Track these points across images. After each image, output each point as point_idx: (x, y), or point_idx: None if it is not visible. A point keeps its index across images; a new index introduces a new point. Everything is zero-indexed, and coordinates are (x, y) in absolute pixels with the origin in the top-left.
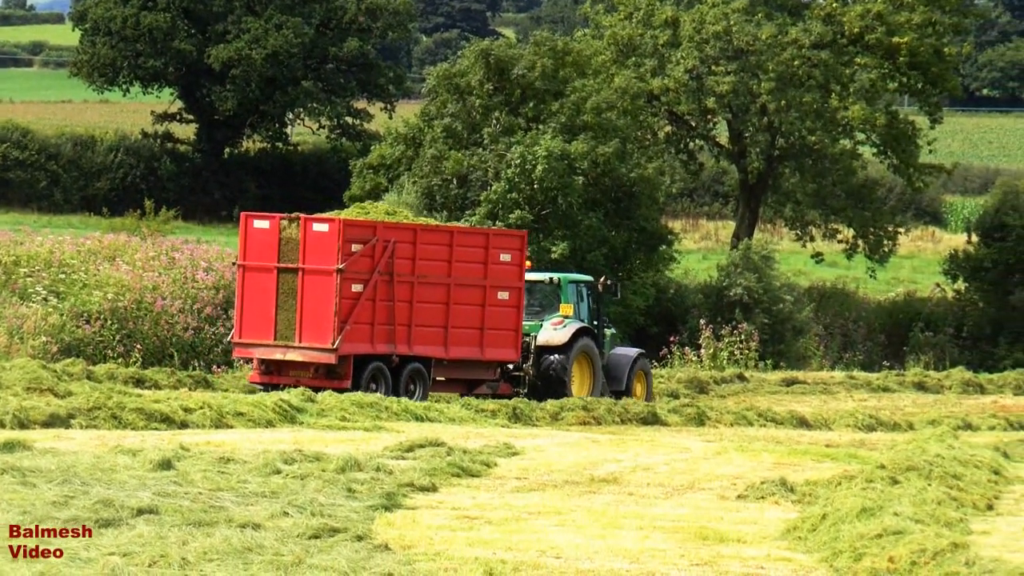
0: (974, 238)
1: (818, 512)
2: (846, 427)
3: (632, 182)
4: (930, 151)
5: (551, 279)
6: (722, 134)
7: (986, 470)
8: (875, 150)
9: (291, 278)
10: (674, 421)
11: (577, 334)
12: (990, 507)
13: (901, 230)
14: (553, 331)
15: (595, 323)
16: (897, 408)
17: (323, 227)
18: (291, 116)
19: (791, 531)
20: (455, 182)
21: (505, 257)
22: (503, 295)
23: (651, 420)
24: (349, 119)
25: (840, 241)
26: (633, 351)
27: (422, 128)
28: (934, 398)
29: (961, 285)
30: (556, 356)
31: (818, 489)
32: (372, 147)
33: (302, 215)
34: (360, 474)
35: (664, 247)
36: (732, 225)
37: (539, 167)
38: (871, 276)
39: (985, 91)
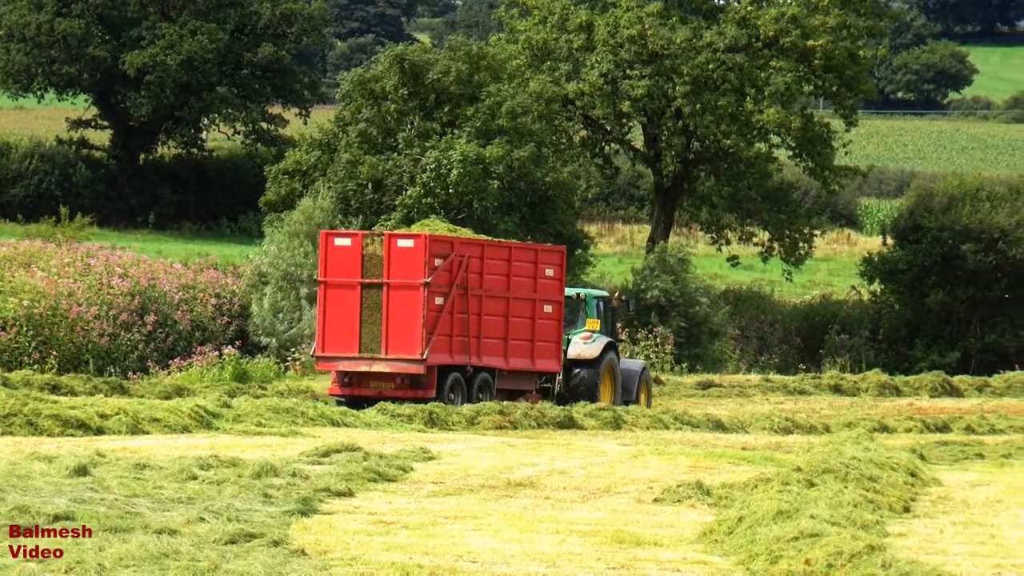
0: (889, 240)
1: (734, 515)
2: (762, 430)
3: (548, 186)
4: (845, 153)
5: (577, 295)
6: (637, 138)
7: (902, 472)
8: (790, 153)
9: (376, 293)
10: (590, 425)
11: (605, 349)
12: (907, 509)
13: (817, 233)
14: (583, 345)
15: (611, 336)
16: (813, 411)
17: (408, 243)
18: (206, 122)
19: (707, 534)
20: (370, 187)
21: (549, 272)
22: (548, 308)
23: (567, 424)
24: (264, 124)
25: (756, 244)
26: (638, 363)
27: (337, 133)
28: (850, 401)
29: (877, 287)
30: (587, 370)
31: (734, 492)
32: (287, 152)
33: (385, 231)
34: (276, 479)
35: (580, 251)
36: (648, 229)
37: (454, 171)
38: (787, 279)
39: (900, 94)
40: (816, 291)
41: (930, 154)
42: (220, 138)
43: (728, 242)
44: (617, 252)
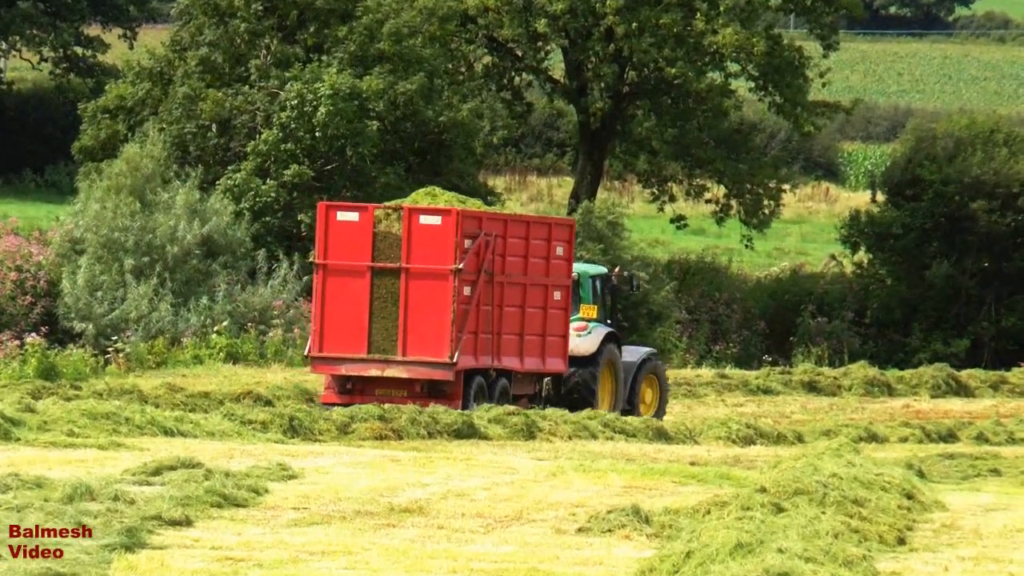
0: (880, 197)
1: (681, 549)
2: (717, 440)
3: (442, 128)
4: (823, 86)
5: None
6: (557, 66)
7: (896, 494)
8: (752, 85)
9: (391, 280)
10: (496, 433)
11: (604, 341)
12: (901, 541)
13: (786, 187)
14: (578, 338)
15: (611, 323)
16: (782, 415)
17: (435, 219)
18: (4, 46)
19: (647, 573)
20: (214, 129)
21: (559, 250)
22: (557, 295)
23: (467, 433)
24: (79, 49)
25: (708, 202)
26: (640, 351)
27: (172, 61)
28: (829, 402)
29: (863, 257)
30: (583, 370)
31: (681, 519)
32: (108, 85)
33: (405, 204)
34: (93, 505)
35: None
36: (570, 182)
37: (322, 109)
38: (748, 246)
39: (893, 9)
40: (785, 262)
41: (931, 86)
42: (22, 67)
43: (673, 199)
44: (531, 211)
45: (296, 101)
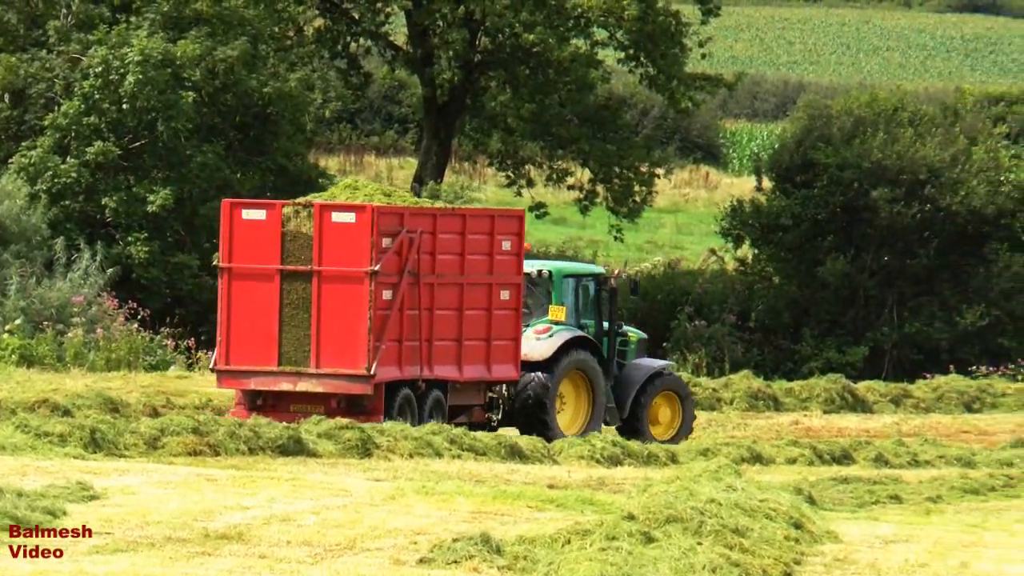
0: (766, 183)
1: None
2: (578, 459)
3: (267, 100)
4: (703, 56)
5: (540, 272)
6: (399, 31)
7: (783, 523)
8: (622, 55)
9: (302, 285)
10: (327, 450)
11: (567, 346)
12: None
13: (660, 171)
14: (536, 341)
15: (604, 330)
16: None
17: (348, 216)
18: None
19: None
20: (7, 99)
21: (506, 245)
22: (505, 295)
23: (293, 449)
24: None
25: (571, 187)
26: (651, 364)
27: None
28: (708, 417)
29: (748, 252)
30: (536, 375)
31: (537, 550)
32: None
33: (316, 201)
34: None
35: (314, 195)
36: (413, 163)
37: (130, 78)
38: (616, 238)
39: None
40: (658, 256)
41: (827, 57)
42: None
43: (531, 183)
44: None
45: (101, 68)
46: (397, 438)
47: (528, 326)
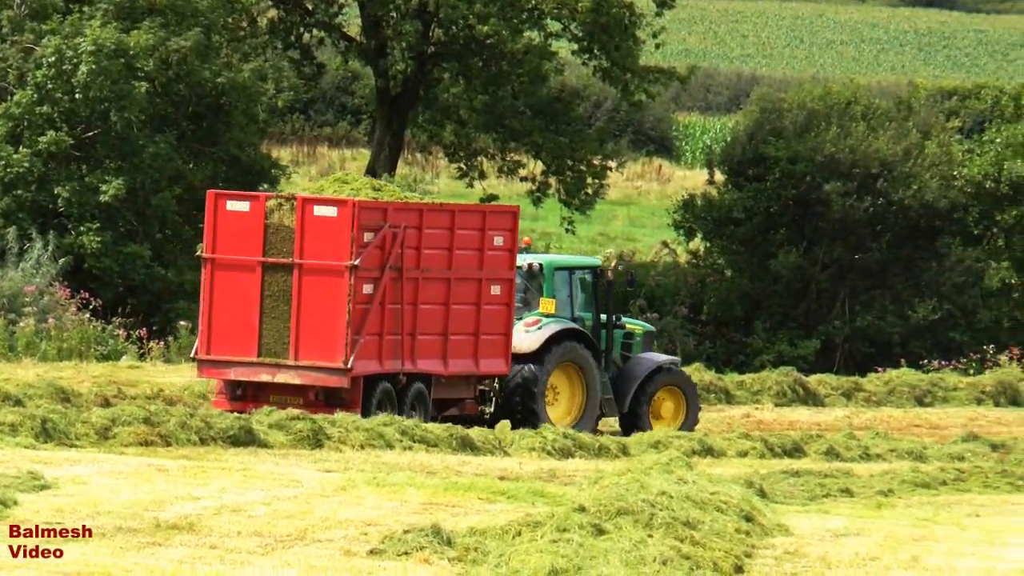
0: (719, 176)
1: (488, 575)
2: (529, 451)
3: (220, 91)
4: (656, 48)
5: (531, 265)
6: (352, 22)
7: (733, 515)
8: (576, 47)
9: (283, 277)
10: (278, 441)
11: (556, 338)
12: (739, 570)
13: (612, 164)
14: (525, 334)
15: (600, 323)
16: (605, 423)
17: (330, 210)
18: None
19: None
20: None
21: (498, 240)
22: (496, 289)
23: (244, 439)
24: None
25: (524, 179)
26: (657, 358)
27: None
28: None
29: (700, 245)
30: (526, 367)
31: (487, 541)
32: None
33: (299, 194)
34: None
35: (266, 186)
36: (366, 155)
37: (83, 68)
38: (568, 231)
39: None
40: (611, 249)
41: (780, 50)
42: None
43: (484, 175)
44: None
45: (54, 58)
46: (348, 429)
47: (519, 319)
